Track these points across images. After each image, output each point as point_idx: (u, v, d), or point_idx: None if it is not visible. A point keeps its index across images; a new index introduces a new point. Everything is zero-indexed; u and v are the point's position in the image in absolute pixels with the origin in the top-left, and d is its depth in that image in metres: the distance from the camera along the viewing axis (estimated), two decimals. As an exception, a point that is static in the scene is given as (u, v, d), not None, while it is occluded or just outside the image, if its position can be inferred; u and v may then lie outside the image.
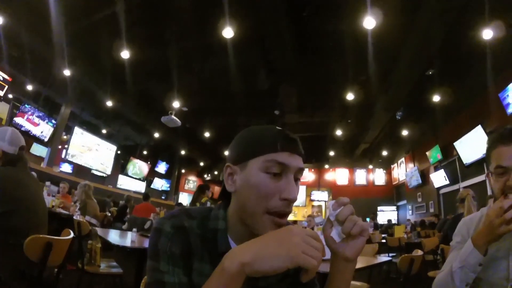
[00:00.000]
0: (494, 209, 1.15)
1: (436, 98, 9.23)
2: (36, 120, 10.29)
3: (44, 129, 10.57)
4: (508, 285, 1.22)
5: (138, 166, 16.88)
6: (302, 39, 7.69)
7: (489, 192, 5.95)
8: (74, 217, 3.97)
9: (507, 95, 7.74)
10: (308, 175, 20.40)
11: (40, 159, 12.63)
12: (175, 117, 10.61)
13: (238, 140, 0.87)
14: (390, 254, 7.02)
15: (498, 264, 1.24)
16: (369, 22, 6.12)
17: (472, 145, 9.10)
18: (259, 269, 0.63)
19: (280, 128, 0.83)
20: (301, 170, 0.83)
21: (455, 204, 4.50)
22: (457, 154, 10.10)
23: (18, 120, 9.80)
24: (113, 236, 3.44)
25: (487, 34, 6.30)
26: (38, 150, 13.09)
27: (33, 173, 2.27)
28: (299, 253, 0.63)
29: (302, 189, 18.97)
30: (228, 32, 6.68)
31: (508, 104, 7.73)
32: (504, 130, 1.28)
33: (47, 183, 6.30)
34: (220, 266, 0.66)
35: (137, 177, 17.00)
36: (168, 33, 7.64)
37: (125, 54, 7.83)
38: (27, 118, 10.03)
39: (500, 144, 1.26)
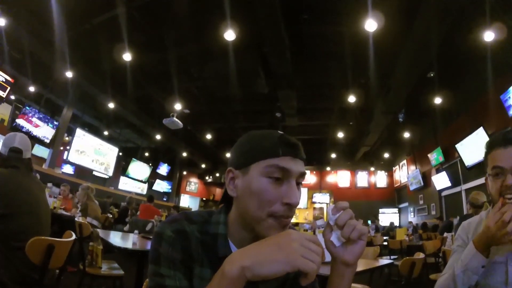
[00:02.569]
0: (495, 220, 1.14)
1: (437, 100, 9.23)
2: (37, 121, 10.31)
3: (45, 130, 10.58)
4: None
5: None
6: (301, 42, 7.72)
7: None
8: (76, 219, 3.98)
9: (509, 97, 7.70)
10: (310, 178, 20.37)
11: (42, 160, 12.64)
12: (176, 119, 10.62)
13: (239, 144, 0.88)
14: (392, 257, 7.00)
15: (497, 268, 1.25)
16: (370, 24, 6.13)
17: (474, 147, 9.05)
18: (259, 273, 0.64)
19: (281, 133, 0.84)
20: (302, 175, 0.83)
21: (457, 206, 4.50)
22: (459, 156, 10.06)
23: (19, 121, 9.82)
24: (115, 238, 3.44)
25: (488, 36, 6.29)
26: (40, 151, 13.11)
27: (37, 175, 2.27)
28: (298, 257, 0.64)
29: (303, 192, 18.98)
30: (228, 37, 6.71)
31: (510, 106, 7.69)
32: (499, 134, 1.30)
33: (49, 184, 6.29)
34: (221, 270, 0.66)
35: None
36: (168, 37, 7.70)
37: (127, 57, 7.87)
38: (27, 119, 10.04)
39: (497, 147, 1.28)
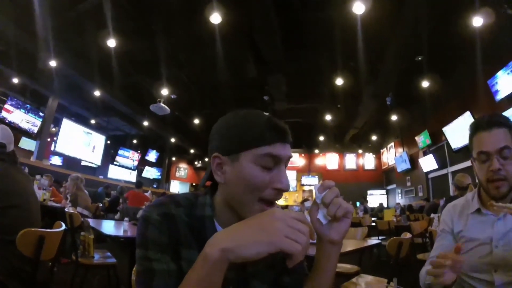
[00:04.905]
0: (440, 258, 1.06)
1: (425, 85, 9.29)
2: (22, 114, 10.15)
3: (31, 122, 10.42)
4: (493, 270, 1.23)
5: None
6: (290, 27, 7.66)
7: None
8: (66, 210, 3.97)
9: (496, 82, 7.81)
10: (298, 160, 20.41)
11: (29, 153, 12.48)
12: (164, 105, 10.56)
13: (224, 127, 0.88)
14: (380, 237, 7.12)
15: (481, 249, 1.27)
16: (359, 7, 6.12)
17: (461, 130, 9.20)
18: (240, 255, 0.62)
19: (268, 115, 0.83)
20: (289, 158, 0.84)
21: (444, 188, 4.57)
22: (446, 139, 10.22)
23: (3, 113, 9.68)
24: (106, 227, 3.45)
25: (477, 21, 6.32)
26: (27, 144, 12.93)
27: (26, 168, 2.26)
28: (281, 238, 0.63)
29: (292, 174, 19.16)
30: (216, 21, 6.63)
31: (497, 91, 7.81)
32: (484, 117, 1.31)
33: (37, 176, 6.22)
34: (203, 252, 0.65)
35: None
36: (155, 23, 7.57)
37: (112, 44, 7.72)
38: (11, 111, 9.90)
39: (481, 130, 1.28)
